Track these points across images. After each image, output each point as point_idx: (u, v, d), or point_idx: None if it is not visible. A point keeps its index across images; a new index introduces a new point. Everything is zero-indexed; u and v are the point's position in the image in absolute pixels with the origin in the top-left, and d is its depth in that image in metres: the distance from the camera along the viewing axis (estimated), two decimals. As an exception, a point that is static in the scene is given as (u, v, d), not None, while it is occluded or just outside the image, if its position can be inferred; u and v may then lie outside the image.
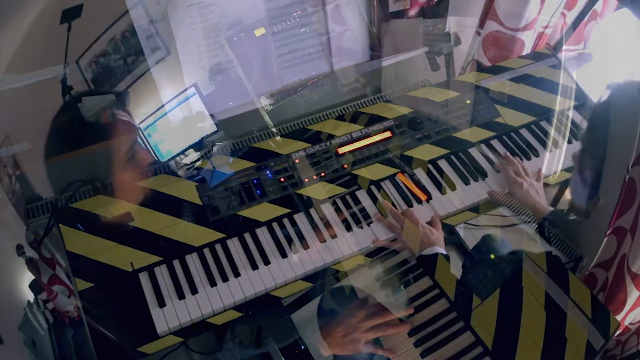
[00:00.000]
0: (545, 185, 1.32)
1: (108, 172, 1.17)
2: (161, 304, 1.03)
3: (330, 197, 1.23)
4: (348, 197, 1.24)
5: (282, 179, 1.23)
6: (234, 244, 1.14)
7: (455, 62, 1.63)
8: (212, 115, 1.30)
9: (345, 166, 1.27)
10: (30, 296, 1.07)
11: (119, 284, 1.04)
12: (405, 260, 1.19)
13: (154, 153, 1.20)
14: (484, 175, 1.31)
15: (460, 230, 1.38)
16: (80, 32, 1.16)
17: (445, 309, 1.10)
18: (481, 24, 1.62)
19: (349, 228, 1.19)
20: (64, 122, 1.15)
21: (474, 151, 1.36)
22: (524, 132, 1.42)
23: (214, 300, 1.06)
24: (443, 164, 1.33)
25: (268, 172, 1.23)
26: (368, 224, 1.20)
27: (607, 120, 1.14)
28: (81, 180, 1.13)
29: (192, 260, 1.11)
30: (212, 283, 1.08)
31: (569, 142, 1.41)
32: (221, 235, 1.13)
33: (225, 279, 1.08)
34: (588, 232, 1.25)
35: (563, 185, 1.38)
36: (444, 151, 1.34)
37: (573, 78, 1.51)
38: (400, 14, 1.59)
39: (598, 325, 1.03)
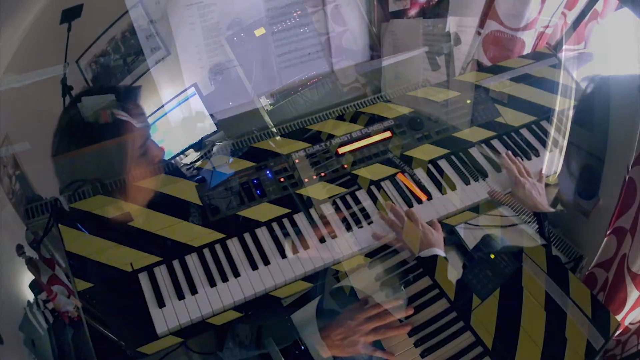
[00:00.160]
0: (546, 185, 1.32)
1: (119, 169, 1.16)
2: (161, 304, 1.03)
3: (330, 197, 1.23)
4: (348, 197, 1.24)
5: (282, 179, 1.22)
6: (233, 244, 1.14)
7: (456, 62, 1.63)
8: (212, 115, 1.30)
9: (345, 166, 1.27)
10: (30, 296, 1.07)
11: (118, 284, 1.04)
12: (405, 260, 1.19)
13: (154, 153, 1.20)
14: (484, 175, 1.31)
15: (460, 230, 1.38)
16: (80, 32, 1.16)
17: (445, 309, 1.10)
18: (481, 24, 1.61)
19: (349, 228, 1.19)
20: (76, 117, 1.14)
21: (474, 151, 1.36)
22: (525, 131, 1.42)
23: (214, 300, 1.06)
24: (443, 163, 1.33)
25: (268, 172, 1.23)
26: (368, 224, 1.20)
27: (591, 112, 1.15)
28: (81, 180, 1.13)
29: (192, 260, 1.10)
30: (212, 283, 1.08)
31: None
32: (221, 236, 1.13)
33: (225, 279, 1.08)
34: (588, 232, 1.25)
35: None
36: (444, 151, 1.34)
37: (573, 78, 1.51)
38: (400, 14, 1.59)
39: (598, 325, 1.03)
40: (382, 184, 1.27)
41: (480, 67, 1.63)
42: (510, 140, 1.39)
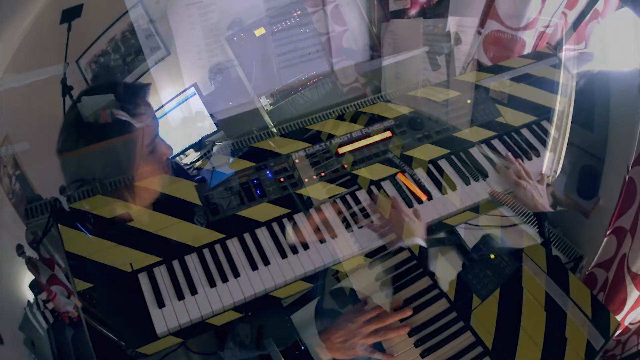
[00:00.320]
0: (546, 185, 1.31)
1: (127, 167, 1.15)
2: (160, 304, 1.03)
3: (330, 197, 1.22)
4: (348, 197, 1.24)
5: (282, 179, 1.22)
6: (233, 244, 1.14)
7: (456, 62, 1.63)
8: (212, 115, 1.30)
9: (345, 166, 1.27)
10: (30, 296, 1.07)
11: (118, 285, 1.04)
12: (406, 260, 1.19)
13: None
14: (484, 175, 1.31)
15: (461, 230, 1.38)
16: (80, 32, 1.16)
17: (445, 309, 1.10)
18: (482, 24, 1.61)
19: (349, 228, 1.18)
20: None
21: (474, 151, 1.36)
22: (525, 131, 1.42)
23: (214, 300, 1.06)
24: (443, 163, 1.32)
25: (268, 172, 1.23)
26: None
27: (588, 109, 1.15)
28: (87, 178, 1.13)
29: (192, 260, 1.10)
30: (212, 283, 1.08)
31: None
32: (221, 236, 1.13)
33: (224, 279, 1.08)
34: (588, 232, 1.25)
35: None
36: (445, 151, 1.34)
37: (574, 77, 1.50)
38: (400, 14, 1.59)
39: (598, 325, 1.03)
40: (383, 184, 1.27)
41: (480, 67, 1.63)
42: (511, 140, 1.39)
